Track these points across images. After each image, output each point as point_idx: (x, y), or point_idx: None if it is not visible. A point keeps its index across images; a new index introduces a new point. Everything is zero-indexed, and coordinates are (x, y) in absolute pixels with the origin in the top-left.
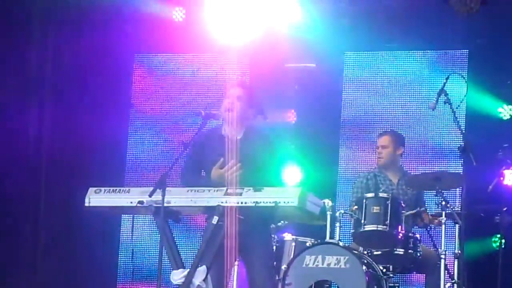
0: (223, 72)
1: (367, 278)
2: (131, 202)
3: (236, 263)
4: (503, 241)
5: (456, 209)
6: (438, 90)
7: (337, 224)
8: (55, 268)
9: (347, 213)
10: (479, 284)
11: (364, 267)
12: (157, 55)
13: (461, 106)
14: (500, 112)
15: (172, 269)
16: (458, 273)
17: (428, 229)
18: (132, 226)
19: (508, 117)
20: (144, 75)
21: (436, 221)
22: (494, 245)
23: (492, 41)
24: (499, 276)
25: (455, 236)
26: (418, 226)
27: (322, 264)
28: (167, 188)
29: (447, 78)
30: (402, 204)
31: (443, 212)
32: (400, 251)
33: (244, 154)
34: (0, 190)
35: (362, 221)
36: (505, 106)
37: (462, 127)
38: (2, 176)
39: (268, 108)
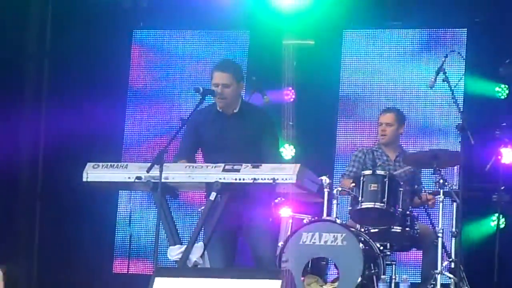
0: (222, 48)
1: (364, 255)
2: (129, 178)
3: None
4: (500, 220)
5: (453, 187)
6: (436, 69)
7: (334, 202)
8: (52, 243)
9: (344, 190)
10: (476, 263)
11: (361, 245)
12: (155, 31)
13: (459, 84)
14: (498, 91)
15: (170, 245)
16: (455, 252)
17: (426, 207)
18: (129, 201)
19: (505, 96)
20: (142, 51)
21: (433, 201)
22: (491, 224)
23: (490, 20)
24: (496, 255)
25: (452, 215)
26: (415, 205)
27: (319, 242)
28: (165, 164)
29: (445, 57)
30: (400, 182)
31: (441, 190)
32: (398, 229)
33: (240, 128)
34: None
35: (360, 199)
36: (502, 85)
37: (460, 106)
38: None
39: (266, 85)
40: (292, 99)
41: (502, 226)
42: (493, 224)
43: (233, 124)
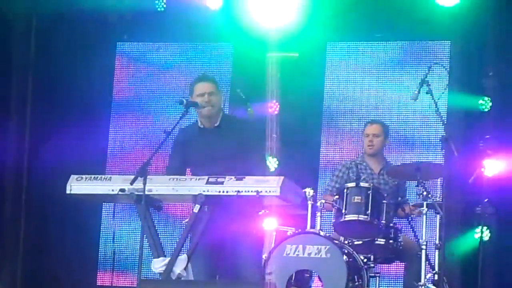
0: (206, 61)
1: (347, 267)
2: (113, 190)
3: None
4: (484, 232)
5: (437, 199)
6: (420, 81)
7: (318, 214)
8: (36, 254)
9: (328, 203)
10: (460, 275)
11: (345, 257)
12: (139, 43)
13: (442, 97)
14: (481, 104)
15: (153, 257)
16: (439, 264)
17: (409, 220)
18: (113, 214)
19: (489, 108)
20: (126, 63)
21: (417, 211)
22: (475, 236)
23: (474, 33)
24: (480, 267)
25: (436, 227)
26: (399, 217)
27: (303, 254)
28: (148, 176)
29: (429, 69)
30: (384, 194)
31: (424, 203)
32: (381, 241)
33: (224, 141)
34: None
35: (343, 211)
36: (485, 98)
37: (443, 118)
38: None
39: (250, 98)
40: (276, 112)
41: (486, 238)
42: (477, 236)
43: (215, 138)
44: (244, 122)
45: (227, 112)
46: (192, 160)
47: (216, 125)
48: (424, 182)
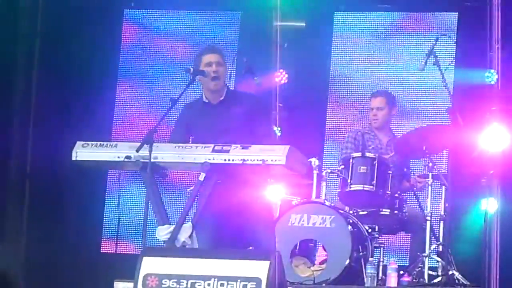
0: (213, 29)
1: (352, 237)
2: (118, 157)
3: None
4: (490, 204)
5: (442, 171)
6: (427, 52)
7: (323, 183)
8: (40, 223)
9: (333, 172)
10: (464, 246)
11: (349, 227)
12: (146, 11)
13: (449, 68)
14: (488, 76)
15: (158, 225)
16: (444, 235)
17: (415, 191)
18: (119, 181)
19: (495, 81)
20: (133, 30)
21: (422, 183)
22: (480, 207)
23: (481, 4)
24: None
25: (441, 198)
26: (404, 188)
27: (308, 223)
28: (154, 144)
29: (436, 40)
30: (389, 165)
31: (430, 174)
32: (386, 211)
33: (229, 116)
34: None
35: (349, 181)
36: (491, 70)
37: (450, 89)
38: None
39: (258, 67)
40: (283, 81)
41: (492, 210)
42: (482, 208)
43: (221, 112)
44: (249, 96)
45: (233, 83)
46: (196, 135)
47: (221, 99)
48: (429, 153)
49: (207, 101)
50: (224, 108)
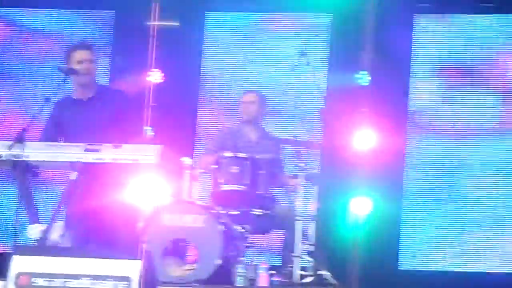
0: (87, 27)
1: (223, 237)
2: None
3: None
4: (363, 203)
5: (314, 171)
6: (299, 53)
7: (195, 183)
8: None
9: (205, 172)
10: (335, 246)
11: (220, 227)
12: (18, 9)
13: (322, 69)
14: (360, 78)
15: (29, 224)
16: (315, 235)
17: (286, 190)
18: None
19: (367, 82)
20: (4, 29)
21: (293, 182)
22: (352, 207)
23: (355, 6)
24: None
25: (313, 198)
26: (275, 187)
27: (180, 223)
28: (26, 142)
29: (308, 41)
30: (260, 164)
31: (301, 174)
32: (258, 211)
33: (99, 111)
34: None
35: (220, 181)
36: (363, 72)
37: (323, 90)
38: None
39: (131, 67)
40: (159, 81)
41: (364, 212)
42: (354, 208)
43: (91, 109)
44: (119, 93)
45: (107, 83)
46: (67, 132)
47: (91, 96)
48: (301, 153)
49: (77, 98)
50: (94, 105)
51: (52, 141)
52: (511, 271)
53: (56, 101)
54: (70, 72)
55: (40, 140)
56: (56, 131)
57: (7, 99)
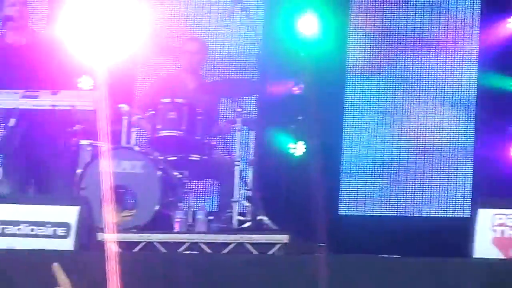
0: None
1: (161, 183)
2: None
3: None
4: (300, 148)
5: (251, 116)
6: None
7: (134, 129)
8: None
9: (143, 118)
10: (274, 191)
11: (159, 173)
12: None
13: (258, 13)
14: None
15: None
16: (253, 180)
17: (224, 135)
18: None
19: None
20: None
21: (231, 127)
22: (290, 152)
23: None
24: (295, 183)
25: (250, 143)
26: (212, 134)
27: (117, 169)
28: None
29: None
30: (198, 110)
31: (239, 119)
32: (196, 157)
33: (31, 58)
34: None
35: (158, 127)
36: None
37: (259, 35)
38: None
39: None
40: None
41: (299, 153)
42: (292, 151)
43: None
44: (51, 37)
45: None
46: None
47: (23, 43)
48: (238, 98)
49: (11, 42)
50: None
51: None
52: (447, 215)
53: None
54: (6, 19)
55: None
56: None
57: None
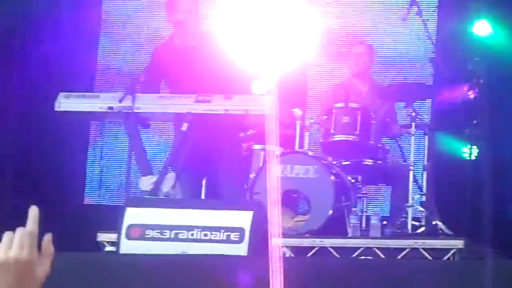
0: None
1: (335, 188)
2: (101, 108)
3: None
4: (473, 152)
5: (425, 120)
6: (409, 1)
7: (306, 134)
8: (22, 173)
9: (316, 123)
10: (448, 196)
11: (332, 177)
12: None
13: (432, 17)
14: (471, 25)
15: (141, 176)
16: (427, 185)
17: (397, 140)
18: (101, 132)
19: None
20: None
21: (405, 132)
22: (464, 156)
23: None
24: (469, 188)
25: (424, 148)
26: (388, 137)
27: (291, 174)
28: (137, 94)
29: None
30: (372, 114)
31: (413, 124)
32: (369, 161)
33: (200, 60)
34: None
35: (331, 131)
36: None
37: (433, 39)
38: None
39: None
40: None
41: (473, 158)
42: (465, 156)
43: (192, 57)
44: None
45: None
46: (167, 78)
47: (191, 44)
48: (412, 102)
49: (179, 45)
50: (195, 52)
51: (154, 90)
52: None
53: (154, 48)
54: (181, 23)
55: (142, 89)
56: (158, 79)
57: (119, 49)
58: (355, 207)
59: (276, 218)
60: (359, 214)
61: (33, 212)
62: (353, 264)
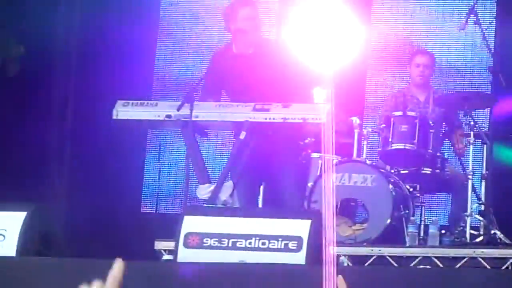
0: None
1: (393, 196)
2: (159, 116)
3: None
4: None
5: (484, 129)
6: (468, 10)
7: (364, 142)
8: (80, 183)
9: (374, 131)
10: (507, 205)
11: (390, 186)
12: None
13: (490, 26)
14: None
15: (199, 184)
16: (486, 194)
17: (456, 149)
18: (159, 141)
19: None
20: None
21: (462, 145)
22: None
23: None
24: None
25: (483, 157)
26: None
27: (349, 182)
28: (195, 102)
29: None
30: (430, 123)
31: (471, 132)
32: (428, 170)
33: (258, 68)
34: (26, 99)
35: (390, 140)
36: None
37: (491, 48)
38: (30, 86)
39: None
40: None
41: None
42: None
43: (251, 65)
44: (280, 44)
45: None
46: (226, 85)
47: (250, 52)
48: (471, 111)
49: (236, 51)
50: (254, 60)
51: (214, 97)
52: None
53: (213, 53)
54: (238, 31)
55: (202, 95)
56: (218, 86)
57: (176, 57)
58: (413, 216)
59: (332, 226)
60: (417, 223)
61: (118, 266)
62: (411, 273)
